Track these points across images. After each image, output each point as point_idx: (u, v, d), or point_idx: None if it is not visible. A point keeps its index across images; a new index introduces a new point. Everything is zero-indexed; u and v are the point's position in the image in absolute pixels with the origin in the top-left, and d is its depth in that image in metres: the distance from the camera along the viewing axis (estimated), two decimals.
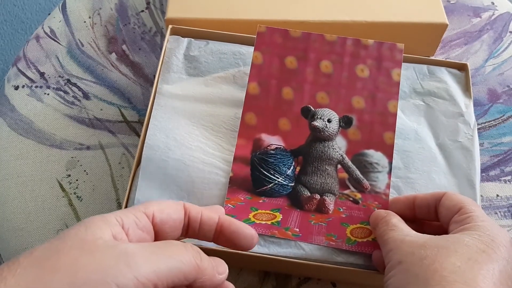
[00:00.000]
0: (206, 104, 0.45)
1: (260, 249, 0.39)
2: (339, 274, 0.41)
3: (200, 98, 0.45)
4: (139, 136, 0.49)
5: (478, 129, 0.53)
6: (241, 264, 0.44)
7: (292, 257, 0.39)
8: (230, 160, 0.42)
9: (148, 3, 0.61)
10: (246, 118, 0.43)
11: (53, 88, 0.54)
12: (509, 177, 0.50)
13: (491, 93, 0.56)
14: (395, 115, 0.42)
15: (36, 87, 0.54)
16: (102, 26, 0.59)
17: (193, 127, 0.44)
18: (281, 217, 0.40)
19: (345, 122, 0.42)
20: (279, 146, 0.42)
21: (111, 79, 0.55)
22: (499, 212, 0.48)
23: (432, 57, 0.56)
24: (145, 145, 0.42)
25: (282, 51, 0.44)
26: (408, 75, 0.47)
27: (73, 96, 0.54)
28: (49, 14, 0.62)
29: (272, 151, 0.42)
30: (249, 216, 0.40)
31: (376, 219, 0.37)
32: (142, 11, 0.61)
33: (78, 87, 0.54)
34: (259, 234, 0.38)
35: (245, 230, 0.32)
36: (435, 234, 0.33)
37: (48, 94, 0.54)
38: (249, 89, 0.43)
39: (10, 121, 0.52)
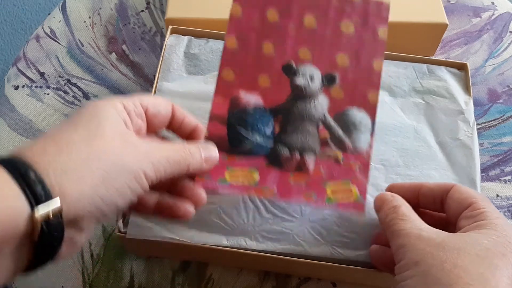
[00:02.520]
0: (206, 102, 0.45)
1: (259, 245, 0.39)
2: (339, 273, 0.41)
3: (200, 95, 0.45)
4: None
5: (478, 129, 0.53)
6: (241, 264, 0.44)
7: (290, 254, 0.39)
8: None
9: (148, 3, 0.61)
10: (223, 75, 0.40)
11: (53, 88, 0.54)
12: (509, 177, 0.50)
13: (491, 93, 0.56)
14: (379, 73, 0.40)
15: (36, 87, 0.54)
16: (102, 26, 0.59)
17: None
18: (259, 177, 0.38)
19: (328, 80, 0.40)
20: (258, 105, 0.40)
21: (111, 79, 0.55)
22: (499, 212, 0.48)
23: (432, 57, 0.56)
24: None
25: (263, 2, 0.41)
26: (407, 74, 0.47)
27: (73, 96, 0.54)
28: (49, 14, 0.62)
29: (250, 110, 0.40)
30: (225, 176, 0.37)
31: (382, 202, 0.36)
32: (142, 11, 0.61)
33: (78, 87, 0.54)
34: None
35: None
36: (437, 225, 0.32)
37: (48, 94, 0.54)
38: (227, 44, 0.40)
39: (10, 121, 0.52)
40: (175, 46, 0.48)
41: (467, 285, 0.28)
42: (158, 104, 0.34)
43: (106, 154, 0.28)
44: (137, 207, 0.33)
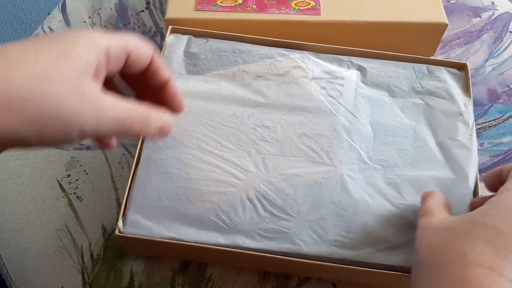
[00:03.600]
0: (205, 101, 0.45)
1: (256, 244, 0.39)
2: (339, 273, 0.41)
3: (199, 95, 0.45)
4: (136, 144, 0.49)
5: (478, 129, 0.53)
6: (241, 264, 0.44)
7: (287, 253, 0.39)
8: (227, 157, 0.42)
9: (148, 3, 0.61)
10: None
11: None
12: None
13: (491, 93, 0.56)
14: None
15: None
16: (102, 26, 0.59)
17: (191, 124, 0.44)
18: (242, 0, 0.52)
19: None
20: None
21: None
22: None
23: (432, 57, 0.56)
24: (144, 144, 0.42)
25: None
26: (407, 74, 0.47)
27: None
28: (49, 14, 0.62)
29: None
30: (217, 2, 0.52)
31: (420, 207, 0.38)
32: (142, 11, 0.61)
33: None
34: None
35: (178, 97, 0.36)
36: None
37: None
38: None
39: None
40: (175, 45, 0.48)
41: (444, 262, 0.29)
42: (141, 51, 0.32)
43: (48, 96, 0.25)
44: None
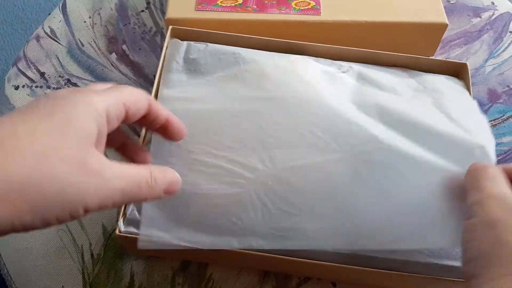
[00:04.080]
0: (206, 105, 0.45)
1: (269, 244, 0.38)
2: (339, 273, 0.41)
3: (200, 98, 0.45)
4: (139, 136, 0.49)
5: None
6: (241, 264, 0.44)
7: (303, 250, 0.38)
8: (232, 158, 0.41)
9: (148, 3, 0.61)
10: None
11: (54, 88, 0.54)
12: None
13: (491, 93, 0.56)
14: None
15: (37, 87, 0.54)
16: (102, 26, 0.59)
17: (194, 128, 0.43)
18: (242, 0, 0.53)
19: None
20: None
21: (111, 79, 0.55)
22: None
23: (432, 57, 0.56)
24: (150, 153, 0.41)
25: None
26: (409, 82, 0.47)
27: None
28: (49, 14, 0.62)
29: None
30: (218, 2, 0.53)
31: (475, 166, 0.33)
32: (142, 11, 0.61)
33: (78, 87, 0.54)
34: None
35: (183, 128, 0.36)
36: None
37: None
38: None
39: None
40: (174, 53, 0.47)
41: None
42: (138, 103, 0.31)
43: (50, 179, 0.23)
44: None
